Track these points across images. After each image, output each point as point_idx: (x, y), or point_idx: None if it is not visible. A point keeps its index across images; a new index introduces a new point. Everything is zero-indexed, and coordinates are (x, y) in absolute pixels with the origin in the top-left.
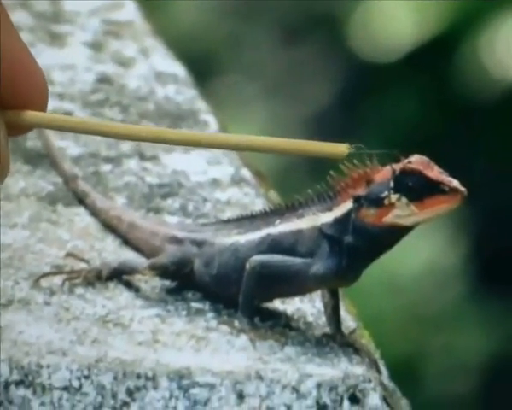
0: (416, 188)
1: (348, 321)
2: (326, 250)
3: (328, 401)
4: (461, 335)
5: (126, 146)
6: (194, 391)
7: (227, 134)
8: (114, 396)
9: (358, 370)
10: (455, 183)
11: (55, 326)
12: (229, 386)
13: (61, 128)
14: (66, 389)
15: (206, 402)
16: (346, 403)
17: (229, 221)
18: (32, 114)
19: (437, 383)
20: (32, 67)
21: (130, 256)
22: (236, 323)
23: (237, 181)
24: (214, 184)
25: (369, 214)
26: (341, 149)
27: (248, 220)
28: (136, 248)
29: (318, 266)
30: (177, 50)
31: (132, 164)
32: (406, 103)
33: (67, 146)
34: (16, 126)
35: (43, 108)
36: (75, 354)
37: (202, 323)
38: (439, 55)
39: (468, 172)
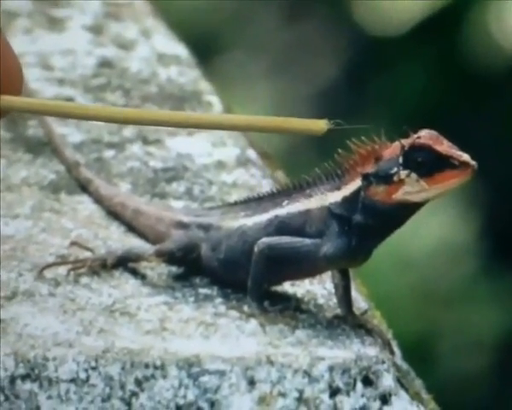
0: (426, 163)
1: (359, 302)
2: (335, 230)
3: (340, 385)
4: (474, 311)
5: (129, 131)
6: (204, 379)
7: (206, 114)
8: (123, 387)
9: (371, 351)
10: (465, 156)
11: (61, 317)
12: (240, 372)
13: (37, 112)
14: (73, 381)
15: (216, 390)
16: (359, 386)
17: (235, 204)
18: (6, 99)
19: (450, 361)
20: (5, 51)
21: (135, 243)
22: (246, 308)
23: (243, 162)
24: (220, 167)
25: (379, 192)
26: (320, 125)
27: (255, 202)
28: (142, 235)
29: (328, 247)
30: (178, 30)
31: (136, 149)
32: (414, 77)
33: (69, 133)
34: None
35: (18, 91)
36: (82, 346)
37: (211, 309)
38: (447, 26)
39: (478, 144)
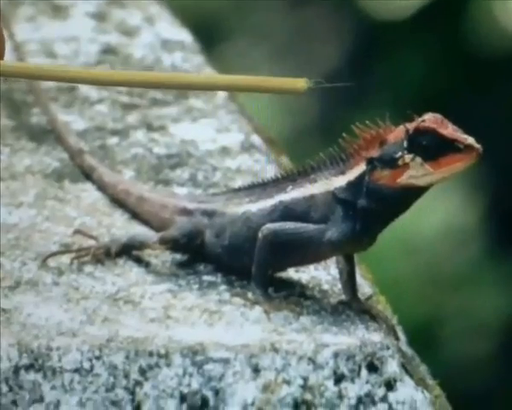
0: (431, 147)
1: (364, 287)
2: (340, 215)
3: (345, 371)
4: (479, 295)
5: (133, 117)
6: (209, 367)
7: (186, 74)
8: (127, 376)
9: (376, 337)
10: (470, 140)
11: (65, 307)
12: (244, 360)
13: (18, 76)
14: (77, 371)
15: (220, 378)
16: (363, 372)
17: (239, 190)
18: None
19: (456, 345)
20: None
21: (139, 231)
22: (250, 294)
23: (247, 148)
24: (224, 153)
25: (383, 176)
26: (301, 83)
27: (260, 188)
28: (146, 222)
29: (333, 232)
30: (182, 17)
31: (140, 135)
32: (417, 61)
33: (73, 120)
34: None
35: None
36: (85, 335)
37: (215, 296)
38: (451, 10)
39: (482, 128)
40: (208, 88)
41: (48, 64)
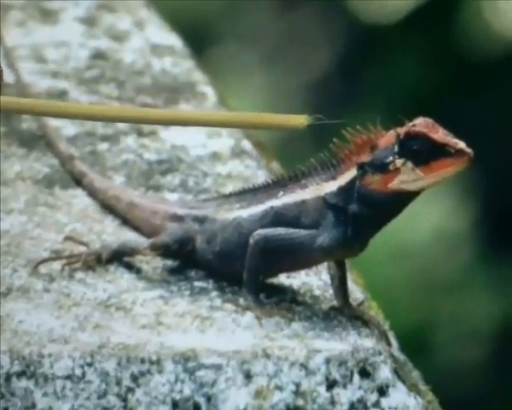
0: (422, 151)
1: (356, 293)
2: (331, 220)
3: (337, 377)
4: (471, 300)
5: (123, 123)
6: (201, 373)
7: (186, 111)
8: (119, 383)
9: (368, 343)
10: (461, 144)
11: (56, 313)
12: (236, 366)
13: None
14: (69, 377)
15: (212, 384)
16: (356, 378)
17: (230, 196)
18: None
19: (448, 351)
20: None
21: (130, 237)
22: (241, 300)
23: (238, 153)
24: (214, 158)
25: (374, 181)
26: (300, 120)
27: (250, 194)
28: (137, 228)
29: (324, 238)
30: (172, 21)
31: (130, 141)
32: (409, 65)
33: (63, 126)
34: None
35: None
36: (77, 342)
37: (206, 302)
38: (442, 13)
39: (473, 132)
40: (209, 124)
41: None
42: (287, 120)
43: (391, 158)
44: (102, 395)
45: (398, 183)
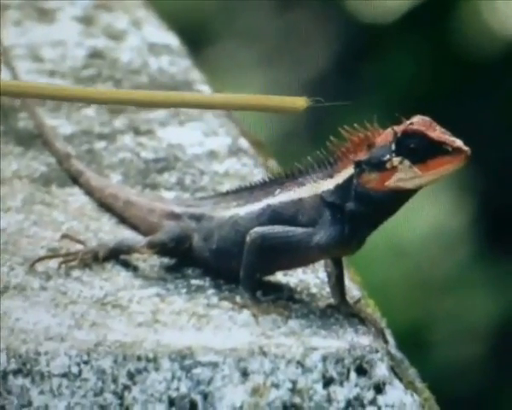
0: (419, 149)
1: (353, 290)
2: (328, 218)
3: (334, 374)
4: (468, 298)
5: (120, 121)
6: (197, 371)
7: (185, 93)
8: (115, 380)
9: (365, 340)
10: (458, 142)
11: (53, 311)
12: (233, 364)
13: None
14: (65, 375)
15: (209, 382)
16: (352, 375)
17: (227, 194)
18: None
19: (445, 349)
20: None
21: (127, 235)
22: (238, 298)
23: (235, 151)
24: (211, 156)
25: (371, 179)
26: (300, 102)
27: (247, 192)
28: (133, 227)
29: (321, 235)
30: (169, 20)
31: (127, 139)
32: (406, 64)
33: (60, 125)
34: None
35: None
36: (74, 339)
37: (203, 300)
38: (439, 12)
39: (470, 130)
40: (206, 107)
41: (47, 83)
42: (286, 102)
43: (388, 156)
44: (99, 392)
45: (395, 181)
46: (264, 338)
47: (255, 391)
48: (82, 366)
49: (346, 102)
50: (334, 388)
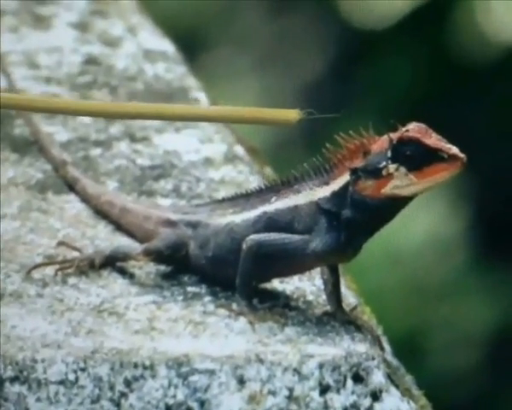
0: (415, 156)
1: (349, 298)
2: (324, 226)
3: (331, 382)
4: (464, 305)
5: (116, 128)
6: (194, 378)
7: (180, 106)
8: (112, 388)
9: (361, 348)
10: (454, 149)
11: (49, 318)
12: (229, 371)
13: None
14: (62, 383)
15: (206, 389)
16: (349, 382)
17: (223, 201)
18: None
19: (441, 356)
20: None
21: (123, 242)
22: (234, 306)
23: (231, 159)
24: (207, 163)
25: (367, 186)
26: (293, 114)
27: (243, 199)
28: (130, 234)
29: (317, 243)
30: (164, 27)
31: (123, 146)
32: (401, 70)
33: (56, 131)
34: None
35: None
36: (70, 347)
37: (199, 307)
38: (434, 18)
39: (466, 137)
40: (199, 119)
41: (46, 97)
42: (279, 115)
43: (384, 163)
44: (96, 400)
45: (391, 188)
46: (261, 346)
47: (252, 399)
48: (79, 373)
49: (337, 114)
50: (330, 395)
